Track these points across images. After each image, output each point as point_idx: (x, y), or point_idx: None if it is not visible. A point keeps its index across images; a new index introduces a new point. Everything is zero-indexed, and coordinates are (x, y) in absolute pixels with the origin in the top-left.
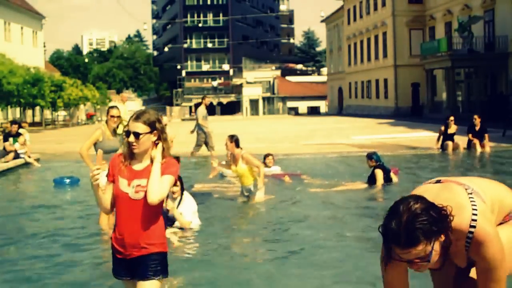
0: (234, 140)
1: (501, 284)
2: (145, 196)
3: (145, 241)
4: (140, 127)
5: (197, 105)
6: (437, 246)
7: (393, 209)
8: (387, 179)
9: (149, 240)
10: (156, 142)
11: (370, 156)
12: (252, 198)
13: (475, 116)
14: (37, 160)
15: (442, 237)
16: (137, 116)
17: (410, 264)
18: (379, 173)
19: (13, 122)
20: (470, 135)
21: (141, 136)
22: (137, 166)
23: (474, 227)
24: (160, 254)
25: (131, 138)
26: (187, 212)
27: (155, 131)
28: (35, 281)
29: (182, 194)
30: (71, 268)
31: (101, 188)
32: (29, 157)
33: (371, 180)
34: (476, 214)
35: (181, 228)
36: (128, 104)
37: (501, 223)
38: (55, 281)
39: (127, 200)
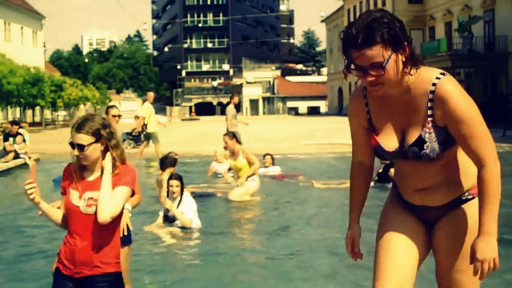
0: (234, 137)
1: (490, 144)
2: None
3: (99, 259)
4: (84, 138)
5: (197, 105)
6: (395, 57)
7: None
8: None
9: (103, 259)
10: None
11: None
12: (245, 187)
13: None
14: (37, 160)
15: (402, 56)
16: (79, 126)
17: (365, 76)
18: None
19: (14, 122)
20: None
21: (85, 148)
22: (90, 177)
23: (436, 84)
24: (115, 275)
25: (76, 151)
26: (187, 211)
27: (101, 140)
28: (33, 281)
29: (182, 194)
30: None
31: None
32: (29, 158)
33: (383, 178)
34: (444, 75)
35: (181, 227)
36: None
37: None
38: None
39: (78, 214)
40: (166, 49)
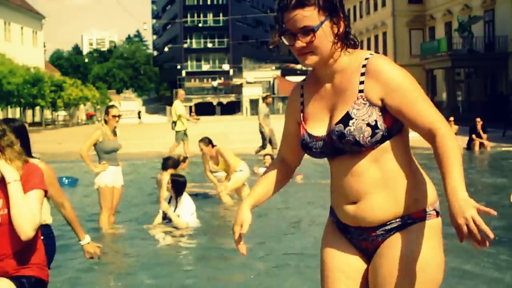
0: (208, 142)
1: (434, 107)
2: (6, 220)
3: (17, 267)
4: None
5: (197, 105)
6: (328, 26)
7: None
8: None
9: (22, 265)
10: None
11: None
12: (233, 176)
13: (478, 119)
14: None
15: (335, 28)
16: None
17: (295, 42)
18: None
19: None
20: (474, 136)
21: None
22: None
23: (368, 59)
24: (33, 279)
25: None
26: (185, 213)
27: None
28: None
29: (181, 195)
30: (69, 268)
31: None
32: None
33: None
34: (378, 53)
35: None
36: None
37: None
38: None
39: None
40: (166, 49)
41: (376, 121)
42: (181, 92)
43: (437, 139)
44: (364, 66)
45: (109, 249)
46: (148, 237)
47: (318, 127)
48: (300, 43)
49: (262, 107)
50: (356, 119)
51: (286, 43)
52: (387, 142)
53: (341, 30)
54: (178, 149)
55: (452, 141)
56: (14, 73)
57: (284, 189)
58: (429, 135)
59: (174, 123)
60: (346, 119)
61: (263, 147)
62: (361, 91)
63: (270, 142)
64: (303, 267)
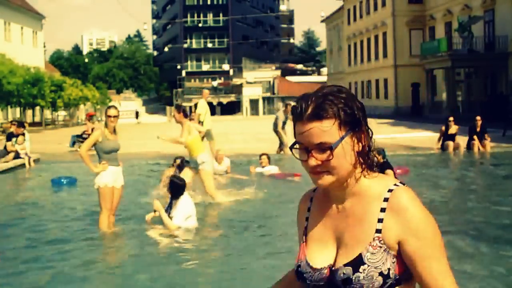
0: (182, 110)
1: (451, 275)
2: None
3: None
4: None
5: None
6: (348, 143)
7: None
8: None
9: None
10: None
11: (379, 152)
12: (200, 171)
13: (477, 118)
14: (36, 160)
15: (357, 145)
16: None
17: (309, 158)
18: (391, 174)
19: (20, 124)
20: (474, 136)
21: None
22: None
23: (392, 191)
24: None
25: None
26: (178, 216)
27: None
28: (31, 280)
29: (178, 198)
30: (68, 267)
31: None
32: (29, 158)
33: None
34: (404, 184)
35: (179, 226)
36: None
37: None
38: (51, 279)
39: None
40: (166, 49)
41: (389, 269)
42: (205, 91)
43: None
44: (386, 200)
45: (109, 249)
46: (147, 237)
47: (319, 257)
48: (314, 161)
49: (281, 115)
50: (369, 266)
51: (300, 159)
52: None
53: (362, 147)
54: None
55: None
56: (14, 73)
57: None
58: None
59: (201, 122)
60: (358, 263)
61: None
62: (378, 231)
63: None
64: None
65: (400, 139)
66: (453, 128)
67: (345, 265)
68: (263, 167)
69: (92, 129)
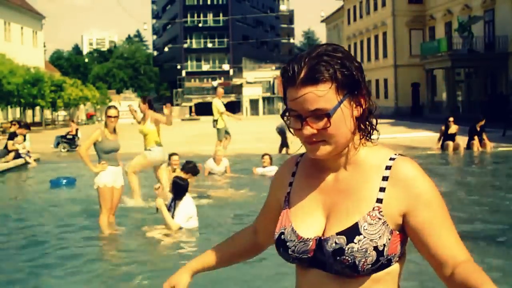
0: (147, 101)
1: (461, 241)
2: None
3: None
4: None
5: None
6: (346, 107)
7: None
8: None
9: None
10: None
11: None
12: (142, 154)
13: (481, 122)
14: (36, 160)
15: (356, 110)
16: None
17: (303, 128)
18: None
19: (25, 125)
20: (474, 136)
21: None
22: None
23: (394, 159)
24: None
25: None
26: (179, 216)
27: None
28: (30, 280)
29: (180, 199)
30: (68, 267)
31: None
32: (30, 157)
33: None
34: (404, 155)
35: (181, 226)
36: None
37: None
38: (50, 279)
39: None
40: (166, 49)
41: (384, 245)
42: (220, 90)
43: (468, 265)
44: (388, 168)
45: (109, 249)
46: (147, 238)
47: (305, 226)
48: (309, 130)
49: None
50: (365, 237)
51: (292, 128)
52: (381, 272)
53: (362, 112)
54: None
55: (481, 271)
56: (14, 73)
57: None
58: (446, 267)
59: (216, 121)
60: (353, 232)
61: (286, 147)
62: (379, 200)
63: (286, 144)
64: None
65: (400, 139)
66: (453, 128)
67: (339, 234)
68: (264, 167)
69: (77, 130)
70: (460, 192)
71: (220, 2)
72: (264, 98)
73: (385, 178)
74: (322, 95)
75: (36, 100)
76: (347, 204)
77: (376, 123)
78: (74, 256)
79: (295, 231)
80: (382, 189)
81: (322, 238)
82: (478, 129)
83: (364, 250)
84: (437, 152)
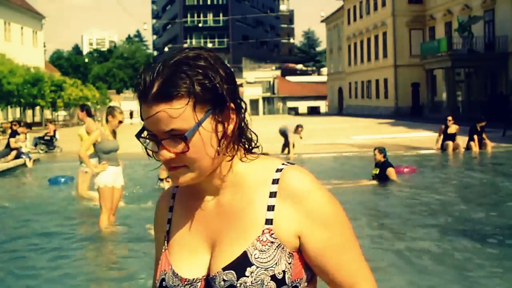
0: (85, 109)
1: (364, 262)
2: None
3: None
4: None
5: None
6: (210, 124)
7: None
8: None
9: None
10: None
11: (381, 150)
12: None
13: (483, 123)
14: (37, 160)
15: (224, 125)
16: None
17: (160, 151)
18: (393, 172)
19: (27, 125)
20: (474, 136)
21: None
22: None
23: (282, 170)
24: None
25: None
26: None
27: None
28: (30, 279)
29: None
30: (68, 267)
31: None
32: (30, 159)
33: (382, 177)
34: (292, 163)
35: None
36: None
37: None
38: (50, 279)
39: None
40: (166, 49)
41: (284, 272)
42: (241, 89)
43: None
44: (276, 182)
45: (109, 249)
46: (148, 237)
47: (189, 265)
48: (166, 154)
49: (291, 135)
50: (258, 267)
51: (151, 151)
52: None
53: (231, 126)
54: None
55: None
56: (14, 73)
57: None
58: None
59: None
60: (242, 263)
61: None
62: (269, 221)
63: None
64: None
65: (400, 139)
66: (453, 128)
67: (225, 268)
68: None
69: (54, 131)
70: (459, 192)
71: (220, 2)
72: (264, 98)
73: (272, 194)
74: (177, 114)
75: (36, 100)
76: (232, 232)
77: (257, 138)
78: (75, 255)
79: (177, 274)
80: (270, 208)
81: (209, 277)
82: (479, 129)
83: (259, 282)
84: (436, 152)
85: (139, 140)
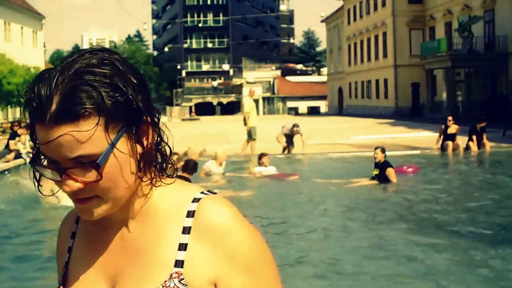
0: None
1: None
2: None
3: None
4: None
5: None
6: (125, 146)
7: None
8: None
9: None
10: None
11: (383, 150)
12: None
13: (483, 123)
14: None
15: (139, 141)
16: None
17: (64, 180)
18: (392, 172)
19: (26, 125)
20: (473, 136)
21: None
22: None
23: (199, 201)
24: None
25: None
26: None
27: None
28: (30, 279)
29: None
30: None
31: None
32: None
33: (382, 178)
34: (213, 193)
35: None
36: None
37: None
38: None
39: None
40: (166, 49)
41: None
42: (252, 90)
43: None
44: (190, 214)
45: None
46: None
47: None
48: (73, 184)
49: (285, 131)
50: None
51: (48, 177)
52: None
53: (149, 146)
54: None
55: None
56: (14, 73)
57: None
58: None
59: (244, 120)
60: None
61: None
62: (179, 263)
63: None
64: (308, 269)
65: (400, 139)
66: (453, 128)
67: None
68: (266, 166)
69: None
70: (459, 192)
71: (220, 2)
72: (264, 98)
73: (186, 230)
74: (85, 138)
75: None
76: (135, 273)
77: (171, 154)
78: None
79: None
80: (182, 247)
81: None
82: (479, 129)
83: None
84: (436, 152)
85: (36, 169)
